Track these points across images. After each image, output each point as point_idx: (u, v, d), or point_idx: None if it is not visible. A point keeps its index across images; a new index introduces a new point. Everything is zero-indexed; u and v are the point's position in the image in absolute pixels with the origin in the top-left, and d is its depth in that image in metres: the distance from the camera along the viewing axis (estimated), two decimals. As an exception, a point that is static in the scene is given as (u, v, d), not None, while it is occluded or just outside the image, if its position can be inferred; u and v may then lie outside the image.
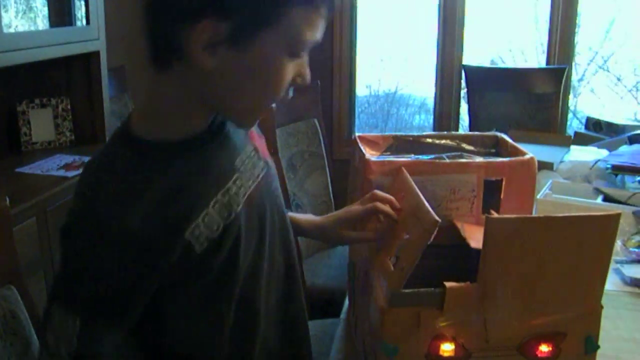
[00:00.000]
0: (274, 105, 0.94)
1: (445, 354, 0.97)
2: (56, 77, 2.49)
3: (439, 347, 0.97)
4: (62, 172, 2.11)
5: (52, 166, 2.18)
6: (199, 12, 0.80)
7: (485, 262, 0.94)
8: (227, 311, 0.97)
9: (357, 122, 3.62)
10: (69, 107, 2.50)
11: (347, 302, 1.44)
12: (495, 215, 1.11)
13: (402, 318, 0.96)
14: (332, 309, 1.68)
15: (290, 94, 0.93)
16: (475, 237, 1.09)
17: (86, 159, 2.24)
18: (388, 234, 1.08)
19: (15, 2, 2.17)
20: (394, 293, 0.94)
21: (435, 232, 0.93)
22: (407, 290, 0.95)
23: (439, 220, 0.92)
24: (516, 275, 0.95)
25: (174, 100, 0.89)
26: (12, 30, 2.13)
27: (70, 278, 0.87)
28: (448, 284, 0.94)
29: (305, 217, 1.24)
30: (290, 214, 1.22)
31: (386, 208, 1.08)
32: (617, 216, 0.95)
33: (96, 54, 2.43)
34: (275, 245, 1.05)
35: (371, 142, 1.31)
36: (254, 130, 1.08)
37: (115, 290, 0.86)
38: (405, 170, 1.13)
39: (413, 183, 1.07)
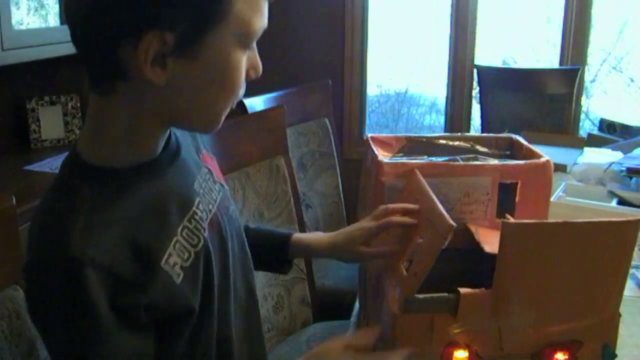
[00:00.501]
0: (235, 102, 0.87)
1: (459, 361, 0.95)
2: (66, 75, 2.49)
3: (452, 354, 0.95)
4: (71, 170, 2.10)
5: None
6: (140, 26, 0.73)
7: (500, 268, 0.92)
8: (211, 349, 0.92)
9: (367, 121, 3.60)
10: (78, 104, 2.50)
11: (357, 304, 1.42)
12: (511, 220, 1.09)
13: (415, 324, 0.94)
14: (342, 311, 1.67)
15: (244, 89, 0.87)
16: (489, 242, 1.07)
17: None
18: (401, 238, 1.06)
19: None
20: (407, 299, 0.92)
21: (450, 237, 0.91)
22: (420, 296, 0.93)
23: (454, 224, 0.90)
24: (532, 281, 0.93)
25: (124, 124, 0.82)
26: (23, 27, 2.12)
27: (57, 343, 0.80)
28: (462, 290, 0.92)
29: (314, 236, 1.20)
30: (297, 235, 1.20)
31: (402, 219, 1.05)
32: (638, 222, 0.92)
33: (106, 51, 2.42)
34: (237, 271, 1.01)
35: (383, 143, 1.29)
36: (205, 151, 1.03)
37: (102, 341, 0.78)
38: (418, 173, 1.11)
39: (427, 186, 1.05)
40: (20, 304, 1.01)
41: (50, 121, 2.44)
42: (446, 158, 1.18)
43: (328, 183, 2.22)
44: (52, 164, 2.17)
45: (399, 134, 1.33)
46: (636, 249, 1.50)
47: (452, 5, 3.26)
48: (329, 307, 1.84)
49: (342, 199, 2.27)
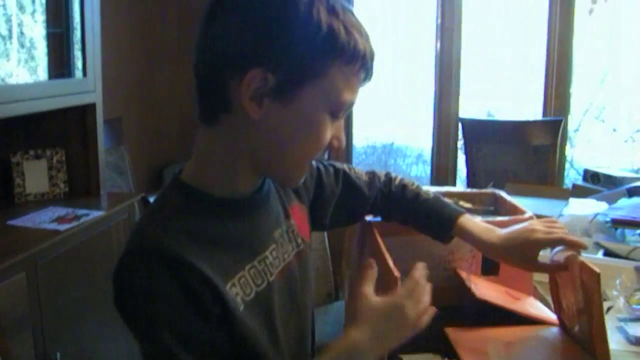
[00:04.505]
0: (313, 162, 0.99)
1: None
2: (51, 129, 2.48)
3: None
4: (54, 225, 2.07)
5: (44, 219, 2.15)
6: (249, 61, 0.84)
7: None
8: None
9: (354, 173, 3.60)
10: (63, 158, 2.49)
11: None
12: None
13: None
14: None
15: (325, 156, 0.97)
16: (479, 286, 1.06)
17: (80, 211, 2.21)
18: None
19: (18, 51, 2.16)
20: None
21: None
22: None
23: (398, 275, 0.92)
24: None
25: (222, 157, 0.92)
26: (12, 80, 2.12)
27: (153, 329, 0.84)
28: None
29: (482, 227, 1.17)
30: (465, 220, 1.18)
31: (574, 238, 1.11)
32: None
33: (92, 106, 2.43)
34: (304, 327, 1.05)
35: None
36: (296, 203, 1.10)
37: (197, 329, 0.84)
38: (374, 229, 1.12)
39: (380, 240, 1.06)
40: None
41: (34, 175, 2.42)
42: (430, 216, 1.17)
43: (314, 237, 2.20)
44: (35, 219, 2.15)
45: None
46: (624, 301, 1.50)
47: (435, 58, 3.31)
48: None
49: (329, 252, 2.25)
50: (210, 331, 0.84)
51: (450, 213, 1.19)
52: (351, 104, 0.91)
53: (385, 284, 0.95)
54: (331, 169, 1.21)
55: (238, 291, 0.89)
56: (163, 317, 0.82)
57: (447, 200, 1.22)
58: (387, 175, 1.28)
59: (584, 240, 1.90)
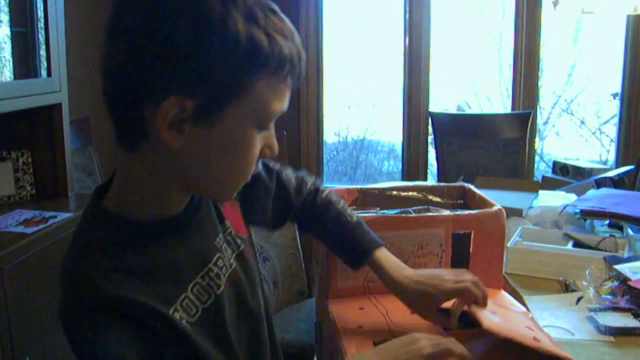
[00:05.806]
0: (249, 177, 0.90)
1: None
2: (17, 130, 2.43)
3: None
4: (20, 229, 2.04)
5: (10, 222, 2.11)
6: (164, 90, 0.76)
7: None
8: None
9: (326, 169, 3.60)
10: (29, 160, 2.44)
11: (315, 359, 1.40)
12: None
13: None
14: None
15: (260, 166, 0.93)
16: None
17: (47, 213, 2.17)
18: None
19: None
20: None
21: None
22: None
23: None
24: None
25: (146, 181, 0.85)
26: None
27: None
28: None
29: (393, 266, 1.12)
30: (380, 255, 1.13)
31: (478, 290, 1.06)
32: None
33: (58, 106, 2.39)
34: (258, 329, 1.02)
35: (336, 196, 1.29)
36: (229, 201, 1.05)
37: None
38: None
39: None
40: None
41: (0, 178, 2.38)
42: (398, 210, 1.17)
43: (285, 235, 2.19)
44: (1, 222, 2.10)
45: (353, 185, 1.33)
46: (594, 291, 1.51)
47: (404, 53, 3.32)
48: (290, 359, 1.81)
49: (300, 250, 2.25)
50: (174, 356, 0.82)
51: (368, 243, 1.14)
52: (281, 112, 0.85)
53: None
54: (265, 169, 1.15)
55: (182, 315, 0.85)
56: (125, 357, 0.79)
57: (367, 228, 1.16)
58: (315, 185, 1.23)
59: (555, 232, 1.93)
